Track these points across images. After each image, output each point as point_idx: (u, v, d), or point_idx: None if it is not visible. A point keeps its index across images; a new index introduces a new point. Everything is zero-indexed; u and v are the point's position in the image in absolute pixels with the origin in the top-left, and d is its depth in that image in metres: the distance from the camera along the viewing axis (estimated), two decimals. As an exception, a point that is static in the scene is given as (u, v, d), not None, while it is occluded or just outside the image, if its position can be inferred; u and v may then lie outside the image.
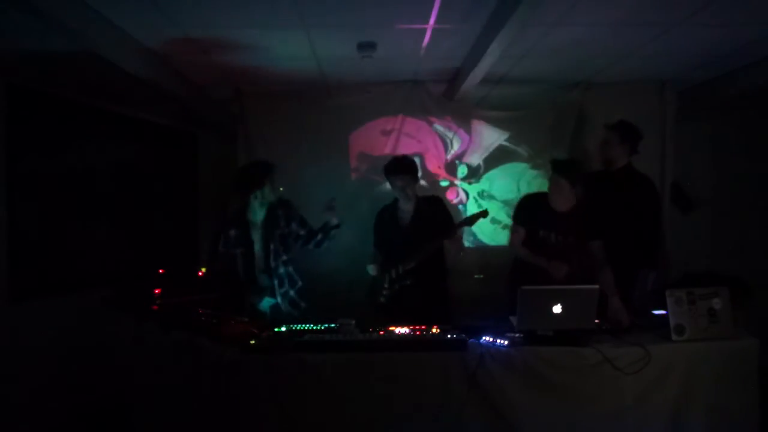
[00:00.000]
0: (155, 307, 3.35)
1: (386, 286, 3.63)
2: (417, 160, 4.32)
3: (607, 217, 3.38)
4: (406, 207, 3.65)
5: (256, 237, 3.57)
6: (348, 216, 4.50)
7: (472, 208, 4.62)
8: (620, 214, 3.55)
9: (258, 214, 3.56)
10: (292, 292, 3.63)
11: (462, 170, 4.70)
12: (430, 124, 4.61)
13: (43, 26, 2.71)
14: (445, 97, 4.50)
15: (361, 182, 4.60)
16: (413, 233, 3.59)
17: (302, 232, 3.65)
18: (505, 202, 4.66)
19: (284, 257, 3.59)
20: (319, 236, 3.66)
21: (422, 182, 4.37)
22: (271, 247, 3.54)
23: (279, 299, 3.58)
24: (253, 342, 2.79)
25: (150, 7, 2.81)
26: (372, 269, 3.65)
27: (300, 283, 3.67)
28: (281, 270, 3.58)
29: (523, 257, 3.49)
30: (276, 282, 3.57)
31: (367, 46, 3.45)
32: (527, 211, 3.52)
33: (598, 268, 3.25)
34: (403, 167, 3.55)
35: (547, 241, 3.41)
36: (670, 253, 4.35)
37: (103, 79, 3.60)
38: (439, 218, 3.64)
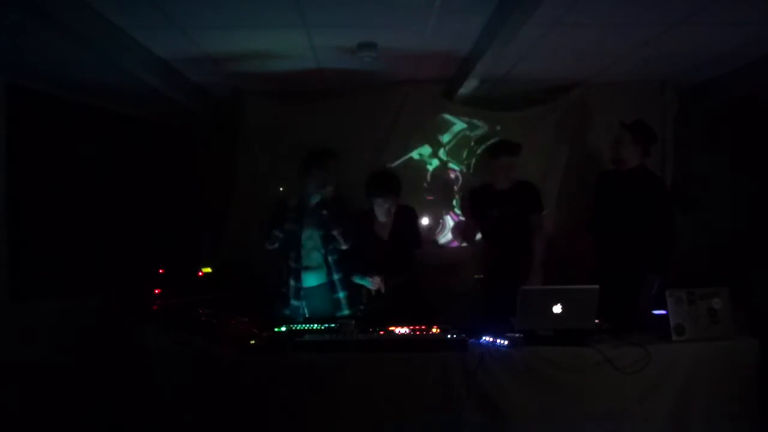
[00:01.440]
0: (155, 307, 3.36)
1: (365, 301, 3.59)
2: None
3: (621, 216, 3.52)
4: (384, 219, 3.59)
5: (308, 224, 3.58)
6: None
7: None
8: (634, 215, 3.49)
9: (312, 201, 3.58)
10: (341, 293, 3.66)
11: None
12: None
13: (42, 26, 2.71)
14: (445, 97, 4.49)
15: (360, 183, 4.58)
16: (392, 246, 3.58)
17: (342, 245, 3.58)
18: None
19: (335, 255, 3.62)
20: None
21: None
22: (329, 247, 3.59)
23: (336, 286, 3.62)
24: (253, 342, 2.79)
25: (150, 7, 2.81)
26: (370, 282, 3.56)
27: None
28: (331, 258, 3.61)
29: (467, 235, 4.22)
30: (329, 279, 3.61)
31: (367, 46, 3.45)
32: (471, 200, 4.03)
33: (532, 237, 3.74)
34: (389, 188, 3.45)
35: (491, 215, 3.83)
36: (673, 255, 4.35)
37: (103, 79, 3.60)
38: (414, 229, 3.75)
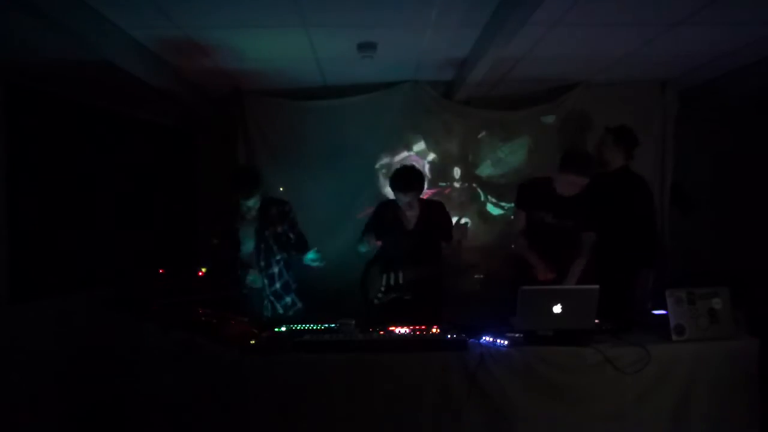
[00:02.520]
0: (155, 307, 3.35)
1: (383, 289, 3.61)
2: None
3: (605, 216, 3.44)
4: (411, 213, 3.60)
5: (248, 234, 3.55)
6: (347, 216, 4.53)
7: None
8: (617, 214, 3.58)
9: (251, 211, 3.52)
10: (288, 298, 3.64)
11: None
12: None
13: (42, 26, 2.71)
14: (445, 97, 4.49)
15: (360, 182, 4.59)
16: (417, 237, 3.58)
17: (292, 235, 3.57)
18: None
19: (278, 257, 3.58)
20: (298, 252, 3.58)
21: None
22: (262, 246, 3.52)
23: (270, 299, 3.59)
24: (253, 342, 2.79)
25: (150, 7, 2.81)
26: (365, 246, 3.60)
27: (295, 285, 3.66)
28: (274, 269, 3.57)
29: (518, 248, 3.59)
30: (266, 281, 3.56)
31: (367, 46, 3.45)
32: (528, 193, 3.62)
33: (576, 254, 3.44)
34: (413, 184, 3.45)
35: (543, 221, 3.51)
36: (670, 253, 4.36)
37: (103, 79, 3.60)
38: (443, 223, 3.64)
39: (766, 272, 3.88)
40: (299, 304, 3.69)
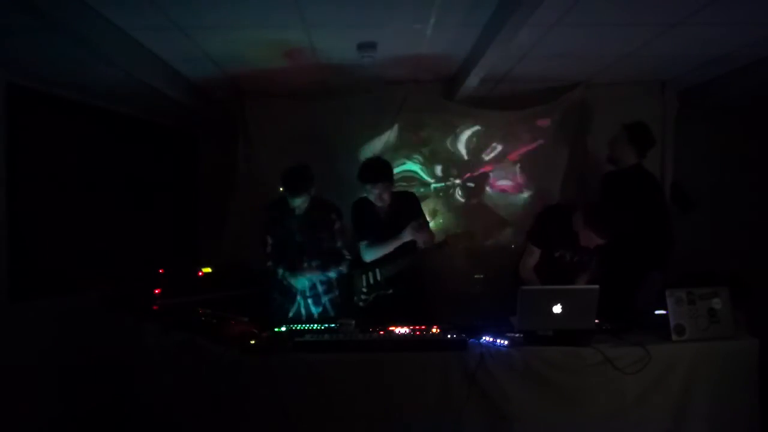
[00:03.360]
0: (155, 307, 3.36)
1: (364, 290, 3.62)
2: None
3: (615, 227, 3.26)
4: (381, 204, 3.58)
5: (292, 235, 3.49)
6: (346, 216, 4.53)
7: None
8: (630, 214, 3.52)
9: (299, 209, 3.43)
10: (325, 299, 3.59)
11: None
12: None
13: (42, 26, 2.71)
14: (445, 97, 4.50)
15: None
16: (392, 228, 3.55)
17: (333, 244, 3.51)
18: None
19: (316, 262, 3.50)
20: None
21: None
22: (295, 248, 3.47)
23: (306, 300, 3.55)
24: (253, 342, 2.79)
25: (150, 7, 2.81)
26: (369, 254, 3.56)
27: (337, 292, 3.62)
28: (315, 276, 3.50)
29: (527, 284, 3.23)
30: (307, 283, 3.50)
31: (367, 46, 3.45)
32: (547, 232, 3.34)
33: (581, 273, 3.35)
34: (379, 175, 3.43)
35: (562, 260, 3.35)
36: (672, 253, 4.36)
37: (103, 79, 3.60)
38: (414, 213, 3.62)
39: (766, 272, 3.88)
40: (331, 312, 3.60)
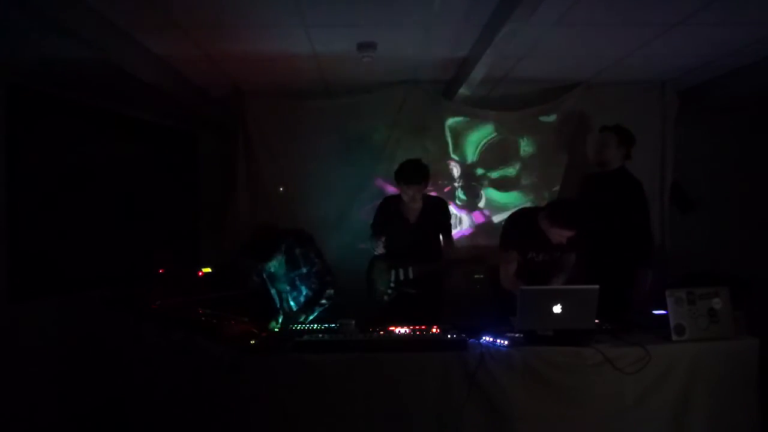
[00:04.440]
0: (155, 307, 3.35)
1: (392, 285, 3.63)
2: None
3: (600, 219, 3.32)
4: (414, 206, 3.66)
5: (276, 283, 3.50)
6: (346, 215, 4.53)
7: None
8: (613, 214, 3.60)
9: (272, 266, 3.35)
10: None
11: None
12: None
13: (42, 26, 2.71)
14: (445, 97, 4.50)
15: (360, 182, 4.59)
16: (420, 231, 3.63)
17: (316, 269, 3.40)
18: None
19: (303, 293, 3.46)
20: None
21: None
22: (288, 288, 3.45)
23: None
24: (253, 342, 2.79)
25: (150, 7, 2.81)
26: (376, 245, 3.55)
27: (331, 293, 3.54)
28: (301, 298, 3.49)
29: (509, 289, 3.27)
30: (293, 304, 3.50)
31: (367, 46, 3.45)
32: (516, 236, 3.35)
33: (557, 274, 3.35)
34: (418, 177, 3.50)
35: (534, 261, 3.36)
36: (670, 253, 4.36)
37: (103, 79, 3.60)
38: (444, 218, 3.74)
39: (766, 272, 3.88)
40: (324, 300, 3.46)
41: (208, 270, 4.02)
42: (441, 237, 3.80)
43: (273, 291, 3.55)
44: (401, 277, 3.62)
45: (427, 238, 3.70)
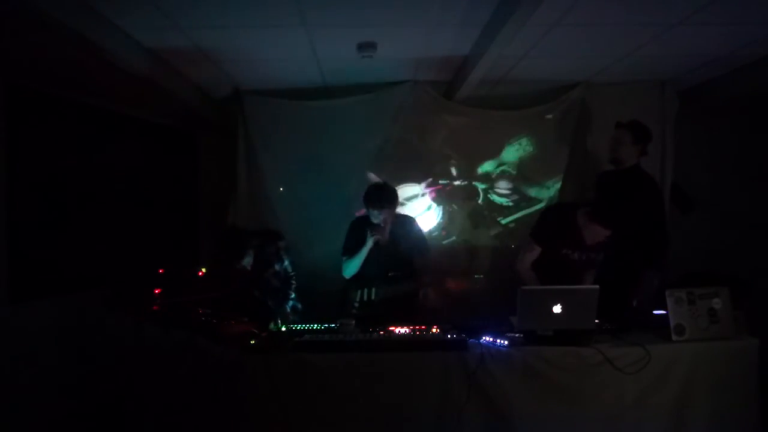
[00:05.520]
0: (155, 307, 3.35)
1: (356, 305, 3.60)
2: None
3: (618, 222, 3.26)
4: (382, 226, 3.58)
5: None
6: (346, 216, 4.53)
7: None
8: (627, 214, 3.55)
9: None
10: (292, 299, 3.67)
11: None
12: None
13: (42, 26, 2.70)
14: (445, 97, 4.49)
15: (359, 182, 4.59)
16: (388, 253, 3.57)
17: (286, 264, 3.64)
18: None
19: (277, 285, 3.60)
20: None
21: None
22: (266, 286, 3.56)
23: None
24: (253, 342, 2.80)
25: (150, 6, 2.81)
26: (348, 269, 3.60)
27: (294, 284, 3.70)
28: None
29: (525, 281, 3.24)
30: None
31: (367, 46, 3.45)
32: (552, 230, 3.27)
33: (586, 275, 3.33)
34: (386, 200, 3.46)
35: (569, 258, 3.28)
36: (670, 253, 4.36)
37: (103, 79, 3.60)
38: (414, 238, 3.66)
39: (766, 272, 3.88)
40: (300, 306, 3.71)
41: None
42: (416, 256, 3.66)
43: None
44: (365, 298, 3.59)
45: (395, 260, 3.59)
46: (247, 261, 3.47)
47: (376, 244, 3.50)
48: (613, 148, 3.74)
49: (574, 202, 3.43)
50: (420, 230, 3.76)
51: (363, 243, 3.53)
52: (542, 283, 3.23)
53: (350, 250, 3.58)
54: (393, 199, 3.51)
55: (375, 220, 3.52)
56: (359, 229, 3.60)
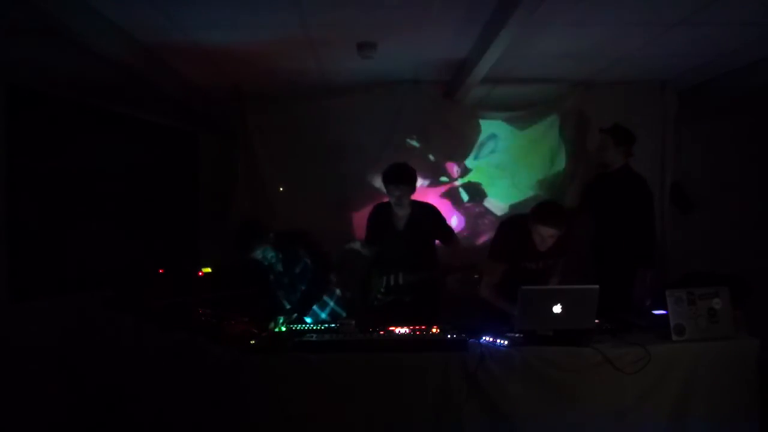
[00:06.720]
0: (155, 307, 3.35)
1: (382, 290, 3.63)
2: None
3: (606, 215, 3.41)
4: (401, 212, 3.64)
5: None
6: (345, 216, 4.53)
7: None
8: (617, 213, 3.65)
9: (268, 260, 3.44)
10: (332, 303, 3.65)
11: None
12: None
13: (42, 26, 2.71)
14: (445, 97, 4.49)
15: (360, 182, 4.59)
16: (408, 238, 3.60)
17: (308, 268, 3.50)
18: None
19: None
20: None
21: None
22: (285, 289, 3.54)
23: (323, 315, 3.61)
24: (253, 342, 2.79)
25: (150, 6, 2.81)
26: (359, 245, 3.69)
27: (338, 293, 3.67)
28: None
29: (489, 299, 3.24)
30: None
31: (367, 46, 3.45)
32: (510, 243, 3.27)
33: (549, 276, 3.34)
34: (404, 178, 3.50)
35: (529, 269, 3.27)
36: (670, 253, 4.36)
37: (103, 79, 3.60)
38: (434, 225, 3.69)
39: (766, 272, 3.88)
40: (342, 313, 3.66)
41: (208, 270, 4.01)
42: (442, 243, 3.75)
43: (279, 292, 3.57)
44: (392, 282, 3.62)
45: (415, 246, 3.61)
46: (259, 254, 3.37)
47: (393, 229, 3.58)
48: (600, 155, 3.89)
49: (524, 214, 3.34)
50: (443, 218, 3.78)
51: (382, 230, 3.60)
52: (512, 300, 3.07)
53: (370, 236, 3.71)
54: (412, 178, 3.55)
55: (391, 198, 3.56)
56: (378, 217, 3.71)
